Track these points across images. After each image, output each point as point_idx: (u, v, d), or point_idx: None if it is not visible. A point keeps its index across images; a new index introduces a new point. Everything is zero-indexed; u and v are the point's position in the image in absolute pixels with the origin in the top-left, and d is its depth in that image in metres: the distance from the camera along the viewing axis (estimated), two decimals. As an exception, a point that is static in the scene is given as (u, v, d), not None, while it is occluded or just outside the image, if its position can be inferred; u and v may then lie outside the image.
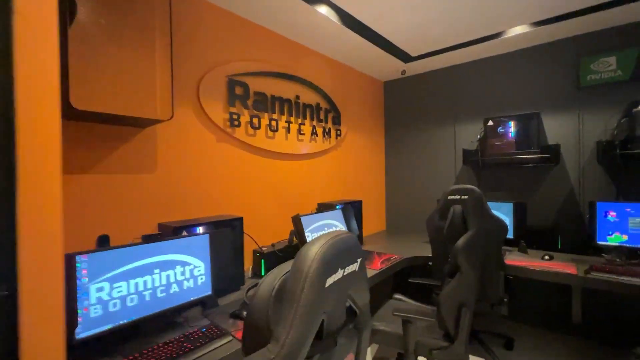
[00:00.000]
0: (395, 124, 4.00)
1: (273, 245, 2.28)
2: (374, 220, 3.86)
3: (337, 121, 3.27)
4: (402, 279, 2.84)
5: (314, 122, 3.00)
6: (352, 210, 2.73)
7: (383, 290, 3.19)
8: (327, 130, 3.14)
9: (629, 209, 2.31)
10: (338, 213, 2.59)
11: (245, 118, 2.40)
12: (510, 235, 2.75)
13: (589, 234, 2.47)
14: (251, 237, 2.17)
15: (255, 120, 2.45)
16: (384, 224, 4.10)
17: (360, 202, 3.14)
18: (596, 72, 2.67)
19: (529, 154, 2.84)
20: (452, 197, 2.31)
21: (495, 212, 2.23)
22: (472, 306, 1.83)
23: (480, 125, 3.17)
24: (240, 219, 2.00)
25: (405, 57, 3.31)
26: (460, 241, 1.83)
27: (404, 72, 3.53)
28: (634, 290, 1.91)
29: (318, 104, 3.04)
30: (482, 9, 2.40)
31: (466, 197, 2.24)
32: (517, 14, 2.50)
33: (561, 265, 2.28)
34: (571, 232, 2.80)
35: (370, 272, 2.23)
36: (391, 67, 3.52)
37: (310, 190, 3.01)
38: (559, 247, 2.80)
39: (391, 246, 3.05)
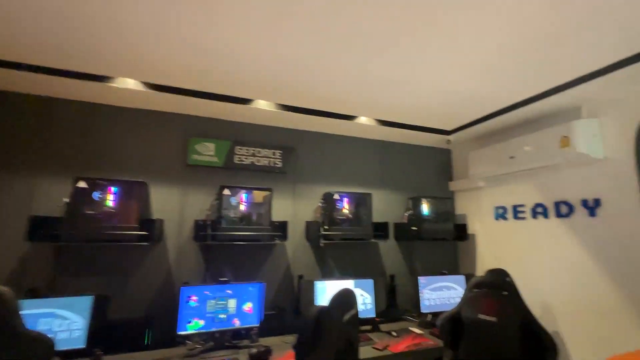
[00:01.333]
0: None
1: None
2: None
3: None
4: None
5: None
6: None
7: None
8: None
9: (207, 292, 2.31)
10: None
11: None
12: (81, 343, 1.98)
13: (172, 323, 2.21)
14: None
15: None
16: None
17: None
18: (200, 153, 2.81)
19: (128, 230, 2.32)
20: None
21: (62, 312, 1.61)
22: None
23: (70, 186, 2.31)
24: None
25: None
26: None
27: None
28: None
29: None
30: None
31: None
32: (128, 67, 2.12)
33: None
34: (165, 322, 2.47)
35: None
36: None
37: None
38: (147, 342, 2.35)
39: None
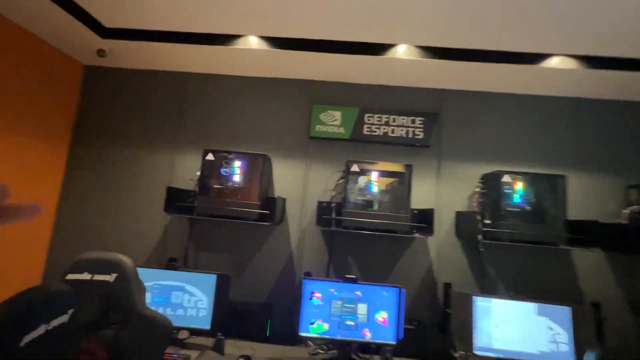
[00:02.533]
0: (92, 133, 2.52)
1: None
2: None
3: None
4: None
5: None
6: None
7: None
8: None
9: (332, 290, 1.87)
10: None
11: None
12: (206, 324, 1.84)
13: (293, 318, 1.87)
14: None
15: None
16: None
17: None
18: (324, 123, 2.39)
19: (249, 207, 2.11)
20: (76, 275, 1.17)
21: (191, 288, 1.73)
22: None
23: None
24: None
25: (99, 28, 2.04)
26: None
27: (102, 52, 2.22)
28: None
29: None
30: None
31: (108, 276, 1.16)
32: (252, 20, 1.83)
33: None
34: (284, 314, 2.20)
35: None
36: (83, 41, 2.13)
37: None
38: (268, 334, 2.11)
39: None
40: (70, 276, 1.26)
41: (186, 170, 2.39)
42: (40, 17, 1.90)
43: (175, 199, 2.17)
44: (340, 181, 2.27)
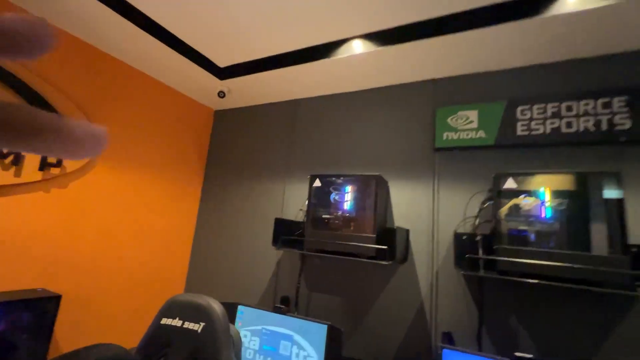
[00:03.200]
0: (218, 170, 2.72)
1: None
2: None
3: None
4: None
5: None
6: None
7: None
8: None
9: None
10: None
11: None
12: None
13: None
14: None
15: None
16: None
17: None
18: (454, 128, 1.81)
19: (362, 241, 1.71)
20: (169, 321, 1.09)
21: (300, 339, 1.54)
22: None
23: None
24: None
25: (215, 70, 2.18)
26: None
27: (222, 94, 2.37)
28: None
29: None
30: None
31: (196, 325, 1.01)
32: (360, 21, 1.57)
33: None
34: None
35: None
36: (202, 84, 2.35)
37: None
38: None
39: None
40: (164, 321, 1.15)
41: (297, 200, 2.23)
42: (168, 68, 2.17)
43: (285, 232, 2.00)
44: (486, 204, 1.62)
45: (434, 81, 1.97)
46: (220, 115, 2.84)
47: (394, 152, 2.00)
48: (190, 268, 2.59)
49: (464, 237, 1.61)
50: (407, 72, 1.95)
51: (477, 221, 1.64)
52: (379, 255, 1.67)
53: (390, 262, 1.64)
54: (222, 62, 2.13)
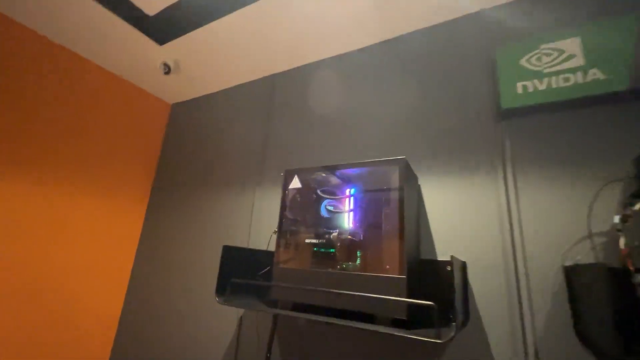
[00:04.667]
0: (171, 179, 1.94)
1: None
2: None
3: None
4: None
5: None
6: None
7: None
8: None
9: None
10: None
11: None
12: None
13: None
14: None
15: None
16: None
17: None
18: (536, 73, 1.01)
19: (383, 288, 0.86)
20: None
21: None
22: None
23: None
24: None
25: (146, 24, 1.47)
26: None
27: (166, 68, 1.65)
28: None
29: None
30: None
31: None
32: None
33: None
34: None
35: None
36: (135, 53, 1.64)
37: None
38: None
39: None
40: None
41: (272, 218, 1.41)
42: (77, 25, 1.47)
43: (241, 270, 1.16)
44: (638, 206, 0.77)
45: (489, 11, 1.20)
46: (178, 111, 2.11)
47: (423, 128, 1.19)
48: (122, 323, 1.72)
49: (590, 273, 0.75)
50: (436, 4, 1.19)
51: (624, 240, 0.77)
52: (413, 317, 0.81)
53: (440, 330, 0.77)
54: (150, 8, 1.41)
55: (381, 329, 0.79)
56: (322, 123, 1.45)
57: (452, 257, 0.80)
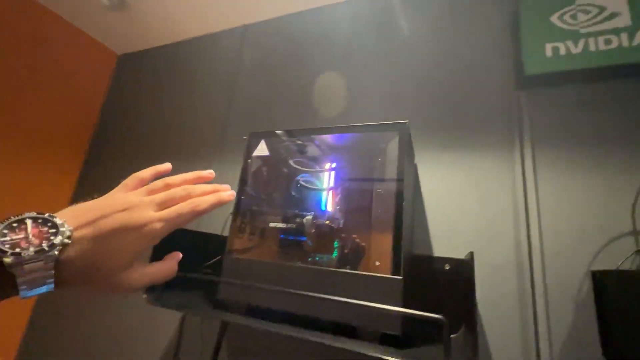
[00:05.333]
0: (112, 145, 1.59)
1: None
2: None
3: None
4: None
5: None
6: None
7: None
8: None
9: None
10: None
11: None
12: None
13: None
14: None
15: None
16: None
17: None
18: (571, 33, 0.82)
19: (373, 294, 0.64)
20: None
21: None
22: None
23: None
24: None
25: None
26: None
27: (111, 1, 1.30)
28: None
29: None
30: None
31: None
32: None
33: None
34: None
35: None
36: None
37: None
38: None
39: None
40: None
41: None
42: None
43: (191, 257, 0.89)
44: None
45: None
46: (125, 63, 1.75)
47: (424, 94, 0.98)
48: (35, 314, 1.38)
49: (628, 280, 0.59)
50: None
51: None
52: (409, 332, 0.61)
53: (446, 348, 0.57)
54: None
55: (369, 350, 0.57)
56: (300, 85, 1.20)
57: (471, 253, 0.59)
